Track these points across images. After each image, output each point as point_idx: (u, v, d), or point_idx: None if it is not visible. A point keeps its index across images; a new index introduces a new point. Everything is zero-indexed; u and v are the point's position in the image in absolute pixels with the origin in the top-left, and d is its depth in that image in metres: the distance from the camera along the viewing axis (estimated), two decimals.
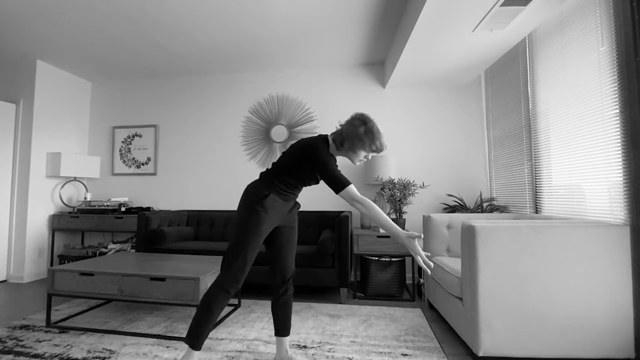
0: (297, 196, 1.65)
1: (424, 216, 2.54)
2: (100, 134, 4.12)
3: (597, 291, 1.62)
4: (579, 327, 1.62)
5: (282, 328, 1.65)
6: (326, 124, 3.61)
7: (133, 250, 3.61)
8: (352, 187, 1.42)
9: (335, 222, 3.02)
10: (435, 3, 1.97)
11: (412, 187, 2.92)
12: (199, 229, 3.50)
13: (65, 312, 2.44)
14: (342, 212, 3.35)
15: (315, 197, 3.58)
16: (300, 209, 3.60)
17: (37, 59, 3.47)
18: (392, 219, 2.92)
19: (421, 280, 2.86)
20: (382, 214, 1.39)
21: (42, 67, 3.54)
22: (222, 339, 1.98)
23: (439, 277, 2.19)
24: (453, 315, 1.97)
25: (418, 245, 1.46)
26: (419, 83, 3.40)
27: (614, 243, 1.62)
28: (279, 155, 3.68)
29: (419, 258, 1.31)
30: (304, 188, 3.59)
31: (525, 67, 2.60)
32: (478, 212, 3.00)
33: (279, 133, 3.68)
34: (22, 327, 2.17)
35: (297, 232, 1.68)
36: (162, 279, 2.02)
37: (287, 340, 1.67)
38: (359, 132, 1.48)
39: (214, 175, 3.82)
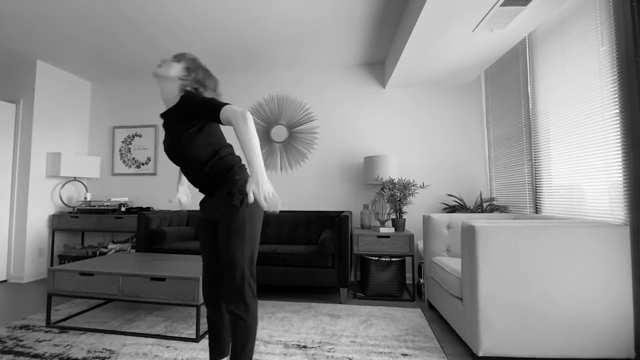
0: (190, 178, 1.36)
1: (424, 216, 2.54)
2: (100, 134, 4.12)
3: (597, 291, 1.62)
4: (579, 327, 1.62)
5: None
6: (326, 124, 3.61)
7: (133, 250, 3.61)
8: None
9: (335, 222, 3.02)
10: (435, 3, 1.97)
11: (412, 187, 2.92)
12: (199, 229, 3.50)
13: (65, 312, 2.44)
14: (342, 212, 3.35)
15: (315, 197, 3.58)
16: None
17: (37, 59, 3.47)
18: (392, 219, 2.92)
19: (421, 280, 2.86)
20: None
21: (42, 67, 3.54)
22: None
23: (439, 277, 2.19)
24: (453, 315, 1.97)
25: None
26: (419, 83, 3.40)
27: (614, 243, 1.62)
28: (279, 155, 3.68)
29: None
30: (305, 187, 3.58)
31: (525, 67, 2.60)
32: (478, 212, 3.00)
33: (279, 133, 3.68)
34: (22, 327, 2.17)
35: (224, 229, 1.27)
36: (162, 279, 2.02)
37: None
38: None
39: None
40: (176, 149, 1.29)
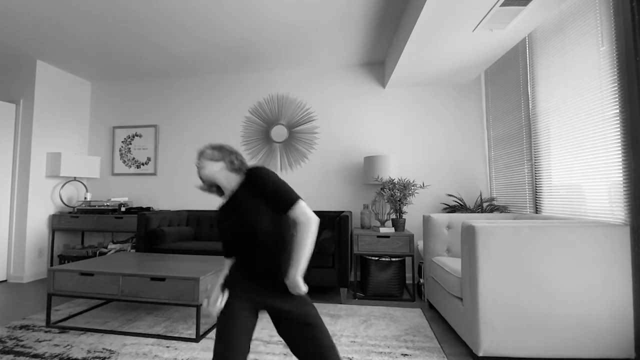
0: (260, 261, 1.21)
1: (424, 216, 2.54)
2: (100, 134, 4.12)
3: (597, 291, 1.63)
4: (579, 327, 1.62)
5: None
6: (326, 124, 3.61)
7: (133, 250, 3.61)
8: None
9: (335, 222, 3.02)
10: (435, 3, 1.97)
11: (412, 187, 2.92)
12: (199, 229, 3.50)
13: (65, 312, 2.44)
14: (342, 212, 3.35)
15: (315, 197, 3.58)
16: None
17: (37, 59, 3.47)
18: (392, 219, 2.93)
19: (421, 280, 2.86)
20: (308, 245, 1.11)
21: (42, 67, 3.54)
22: None
23: (439, 277, 2.19)
24: (453, 315, 1.97)
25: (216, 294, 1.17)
26: (419, 83, 3.40)
27: (614, 243, 1.62)
28: (279, 155, 3.68)
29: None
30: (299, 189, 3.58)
31: (525, 67, 2.60)
32: (478, 212, 3.00)
33: (279, 133, 3.68)
34: (22, 327, 2.17)
35: (305, 322, 1.11)
36: (162, 279, 2.02)
37: None
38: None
39: None
40: (250, 223, 1.15)
